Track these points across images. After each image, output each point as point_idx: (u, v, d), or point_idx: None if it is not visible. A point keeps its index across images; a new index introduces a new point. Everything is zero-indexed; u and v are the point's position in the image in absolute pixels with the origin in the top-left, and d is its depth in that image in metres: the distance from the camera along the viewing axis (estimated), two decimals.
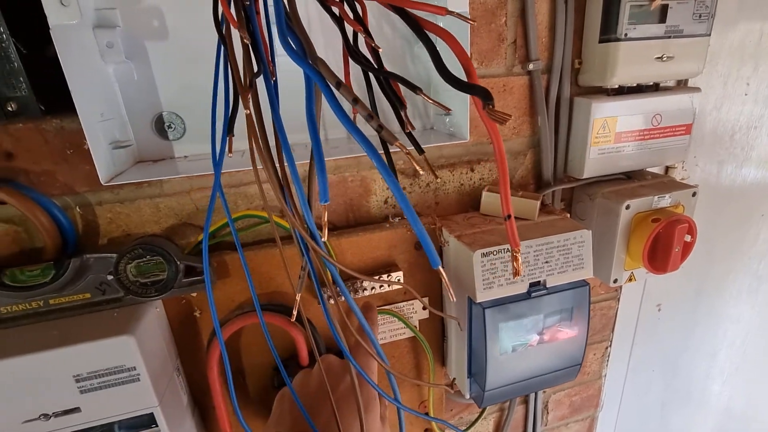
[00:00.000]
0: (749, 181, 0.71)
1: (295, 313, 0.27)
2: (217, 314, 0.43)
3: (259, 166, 0.30)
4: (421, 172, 0.16)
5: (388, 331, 0.53)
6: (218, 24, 0.27)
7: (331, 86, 0.19)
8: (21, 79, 0.32)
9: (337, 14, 0.26)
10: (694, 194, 0.54)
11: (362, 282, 0.48)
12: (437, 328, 0.55)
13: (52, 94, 0.35)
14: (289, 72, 0.33)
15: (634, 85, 0.52)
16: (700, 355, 0.87)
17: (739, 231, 0.76)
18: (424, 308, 0.53)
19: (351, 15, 0.26)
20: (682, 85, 0.57)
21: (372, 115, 0.18)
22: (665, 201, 0.53)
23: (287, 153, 0.22)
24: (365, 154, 0.45)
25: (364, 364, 0.37)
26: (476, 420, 0.67)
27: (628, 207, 0.52)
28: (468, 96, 0.42)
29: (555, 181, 0.56)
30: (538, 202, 0.50)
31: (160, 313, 0.43)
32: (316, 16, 0.41)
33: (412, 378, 0.56)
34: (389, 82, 0.28)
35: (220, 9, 0.24)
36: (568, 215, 0.52)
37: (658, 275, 0.55)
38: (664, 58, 0.49)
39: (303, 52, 0.21)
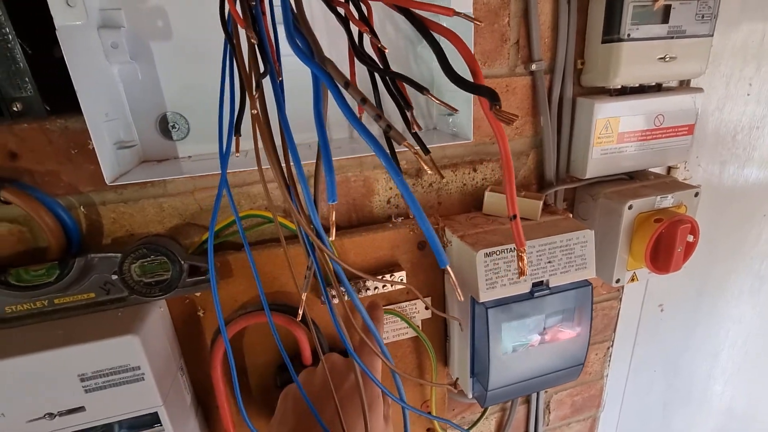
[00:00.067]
0: (751, 181, 0.71)
1: (300, 312, 0.27)
2: (227, 312, 0.43)
3: (264, 166, 0.30)
4: (429, 172, 0.16)
5: (391, 330, 0.53)
6: (225, 24, 0.27)
7: (339, 86, 0.19)
8: (26, 79, 0.32)
9: (343, 15, 0.26)
10: (696, 194, 0.54)
11: (365, 282, 0.48)
12: (440, 327, 0.55)
13: (57, 95, 0.35)
14: (292, 72, 0.33)
15: (637, 85, 0.52)
16: (701, 355, 0.87)
17: (741, 231, 0.76)
18: (426, 308, 0.53)
19: (356, 15, 0.26)
20: (684, 86, 0.57)
21: (380, 114, 0.18)
22: (668, 201, 0.53)
23: (293, 153, 0.22)
24: (368, 154, 0.46)
25: (368, 363, 0.37)
26: (478, 420, 0.67)
27: (630, 207, 0.52)
28: (471, 96, 0.42)
29: (557, 181, 0.56)
30: (541, 202, 0.50)
31: (164, 312, 0.43)
32: (320, 16, 0.41)
33: (416, 378, 0.56)
34: (395, 83, 0.28)
35: (227, 9, 0.24)
36: (571, 215, 0.52)
37: (660, 275, 0.55)
38: (667, 59, 0.49)
39: (311, 52, 0.21)
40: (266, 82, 0.26)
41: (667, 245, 0.52)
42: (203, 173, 0.39)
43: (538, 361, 0.52)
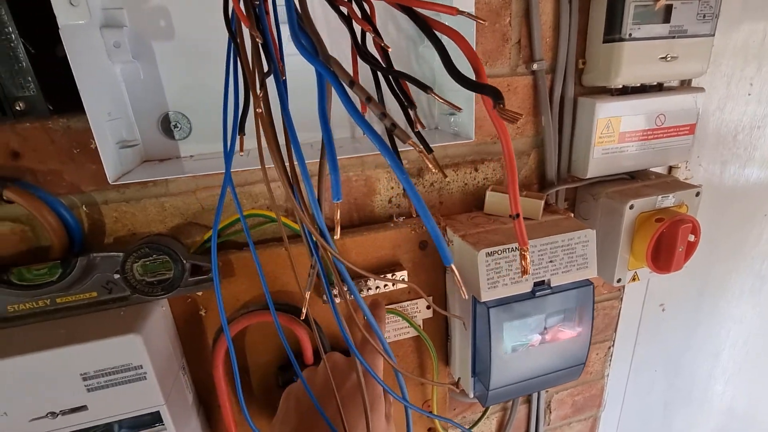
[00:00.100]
0: (752, 181, 0.71)
1: (304, 311, 0.27)
2: (229, 311, 0.43)
3: (267, 166, 0.30)
4: (433, 171, 0.16)
5: (393, 330, 0.53)
6: (229, 24, 0.27)
7: (344, 85, 0.19)
8: (29, 78, 0.32)
9: (346, 14, 0.26)
10: (697, 194, 0.54)
11: (367, 281, 0.48)
12: (441, 327, 0.55)
13: (60, 94, 0.35)
14: (293, 71, 0.33)
15: (638, 85, 0.52)
16: (702, 355, 0.87)
17: (742, 231, 0.76)
18: (428, 307, 0.53)
19: (359, 14, 0.27)
20: (685, 85, 0.57)
21: (385, 113, 0.18)
22: (669, 201, 0.53)
23: (297, 152, 0.22)
24: (369, 153, 0.46)
25: (370, 362, 0.37)
26: (479, 419, 0.67)
27: (631, 207, 0.52)
28: (473, 95, 0.42)
29: (559, 180, 0.56)
30: (542, 202, 0.50)
31: (166, 311, 0.43)
32: (321, 16, 0.41)
33: (417, 377, 0.56)
34: (399, 82, 0.28)
35: (230, 8, 0.24)
36: (572, 215, 0.52)
37: (661, 275, 0.55)
38: (668, 58, 0.49)
39: (315, 51, 0.21)
40: (269, 81, 0.26)
41: (668, 245, 0.52)
42: (205, 172, 0.39)
43: (539, 361, 0.52)
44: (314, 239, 0.24)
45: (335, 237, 0.20)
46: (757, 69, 0.63)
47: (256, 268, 0.45)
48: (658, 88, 0.54)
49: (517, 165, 0.56)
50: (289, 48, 0.37)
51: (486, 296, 0.45)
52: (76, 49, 0.32)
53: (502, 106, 0.18)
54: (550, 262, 0.47)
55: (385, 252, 0.49)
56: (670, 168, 0.63)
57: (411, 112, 0.27)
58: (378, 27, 0.43)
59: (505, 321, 0.47)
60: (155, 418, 0.39)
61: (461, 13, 0.21)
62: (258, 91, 0.22)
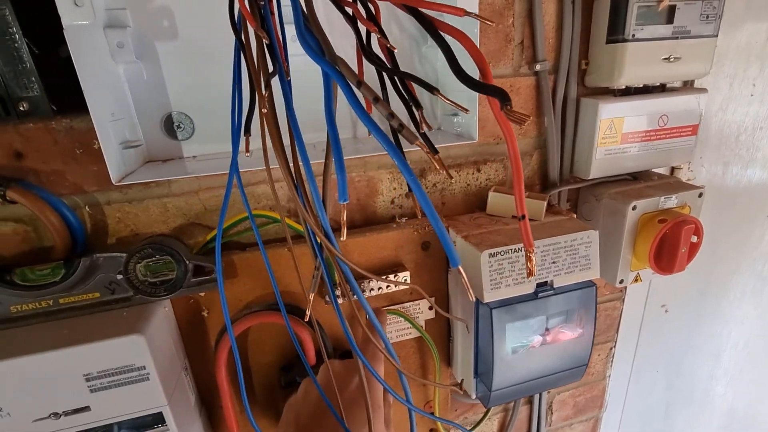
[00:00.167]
0: (754, 182, 0.71)
1: (308, 313, 0.27)
2: (232, 312, 0.43)
3: (272, 166, 0.30)
4: (440, 171, 0.16)
5: (395, 331, 0.53)
6: (234, 24, 0.27)
7: (351, 86, 0.19)
8: (33, 79, 0.32)
9: (351, 14, 0.26)
10: (700, 195, 0.54)
11: (369, 282, 0.48)
12: (443, 328, 0.55)
13: (63, 94, 0.35)
14: (296, 72, 0.33)
15: (641, 85, 0.52)
16: (704, 356, 0.87)
17: (744, 232, 0.76)
18: (430, 308, 0.53)
19: (364, 15, 0.26)
20: (688, 86, 0.57)
21: (393, 114, 0.18)
22: (672, 202, 0.53)
23: (302, 152, 0.22)
24: (372, 154, 0.46)
25: (371, 365, 0.37)
26: (481, 420, 0.67)
27: (634, 208, 0.52)
28: (476, 96, 0.42)
29: (561, 181, 0.56)
30: (545, 203, 0.50)
31: (169, 312, 0.43)
32: (322, 17, 0.41)
33: (420, 378, 0.56)
34: (404, 83, 0.28)
35: (236, 9, 0.24)
36: (575, 216, 0.52)
37: (663, 276, 0.55)
38: (671, 59, 0.49)
39: (321, 51, 0.21)
40: (273, 81, 0.26)
41: (671, 246, 0.52)
42: (208, 173, 0.39)
43: (541, 362, 0.52)
44: (318, 240, 0.24)
45: (341, 238, 0.20)
46: (759, 70, 0.63)
47: (258, 268, 0.45)
48: (661, 89, 0.53)
49: None
50: (292, 48, 0.38)
51: (489, 297, 0.45)
52: (80, 49, 0.32)
53: (509, 107, 0.18)
54: (553, 263, 0.46)
55: (387, 253, 0.49)
56: (673, 169, 0.63)
57: (417, 113, 0.27)
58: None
59: (508, 322, 0.47)
60: (158, 419, 0.39)
61: (468, 14, 0.21)
62: (263, 92, 0.22)
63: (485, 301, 0.45)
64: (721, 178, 0.68)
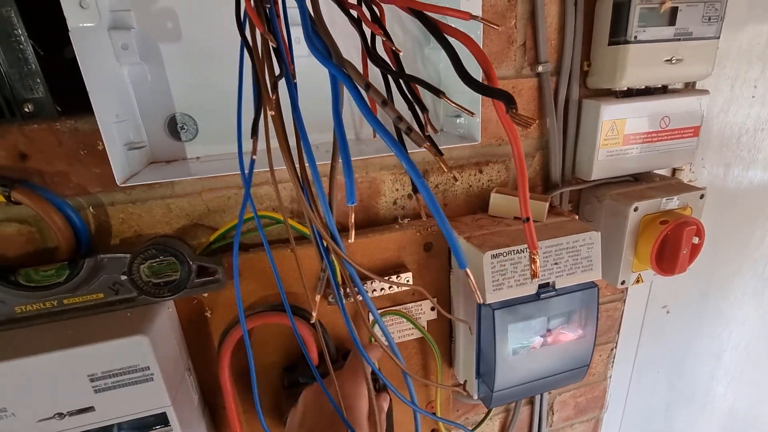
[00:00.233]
0: (755, 183, 0.71)
1: (315, 315, 0.27)
2: (233, 313, 0.43)
3: (275, 168, 0.30)
4: (447, 172, 0.16)
5: (397, 331, 0.53)
6: (241, 27, 0.27)
7: (360, 88, 0.19)
8: (38, 80, 0.33)
9: (356, 17, 0.27)
10: (702, 196, 0.55)
11: (372, 282, 0.48)
12: (445, 329, 0.55)
13: (68, 96, 0.35)
14: (300, 74, 0.33)
15: (643, 87, 0.52)
16: (705, 356, 0.87)
17: (745, 233, 0.76)
18: (432, 309, 0.53)
19: (369, 17, 0.27)
20: (690, 88, 0.58)
21: (400, 117, 0.18)
22: (673, 203, 0.53)
23: (309, 154, 0.22)
24: (374, 155, 0.46)
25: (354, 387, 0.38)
26: (482, 420, 0.67)
27: (636, 209, 0.52)
28: (480, 98, 0.42)
29: (563, 182, 0.56)
30: (547, 204, 0.51)
31: (172, 313, 0.43)
32: (327, 20, 0.41)
33: (422, 379, 0.56)
34: (410, 85, 0.28)
35: (242, 10, 0.24)
36: (576, 217, 0.52)
37: (665, 277, 0.55)
38: (673, 61, 0.49)
39: (329, 54, 0.21)
40: (279, 84, 0.26)
41: (672, 247, 0.52)
42: (212, 174, 0.39)
43: (543, 363, 0.52)
44: (325, 243, 0.24)
45: (349, 240, 0.20)
46: (761, 71, 0.63)
47: (261, 269, 0.45)
48: (663, 91, 0.54)
49: None
50: (296, 50, 0.38)
51: (491, 298, 0.45)
52: (85, 51, 0.32)
53: (514, 110, 0.18)
54: (555, 264, 0.47)
55: (390, 254, 0.49)
56: (674, 170, 0.63)
57: (422, 116, 0.27)
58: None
59: (510, 323, 0.47)
60: (162, 419, 0.39)
61: (474, 17, 0.21)
62: (270, 94, 0.22)
63: (487, 302, 0.46)
64: (722, 179, 0.69)
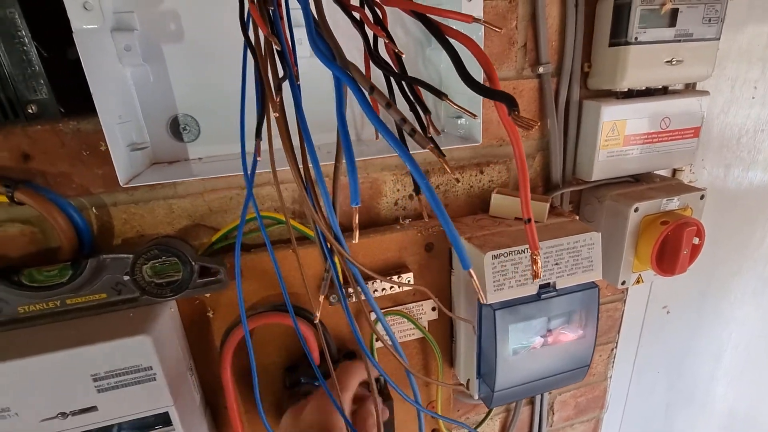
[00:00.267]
0: (756, 184, 0.71)
1: (318, 315, 0.27)
2: (235, 313, 0.44)
3: (278, 168, 0.30)
4: (454, 175, 0.16)
5: (398, 331, 0.53)
6: (245, 29, 0.27)
7: (364, 91, 0.19)
8: (42, 81, 0.33)
9: (358, 18, 0.27)
10: (702, 197, 0.55)
11: (373, 283, 0.48)
12: (446, 329, 0.56)
13: (71, 97, 0.35)
14: (301, 74, 0.33)
15: (643, 88, 0.52)
16: (705, 357, 0.87)
17: (745, 234, 0.76)
18: (433, 309, 0.53)
19: (371, 20, 0.27)
20: (690, 89, 0.58)
21: (405, 119, 0.18)
22: (674, 204, 0.53)
23: (312, 155, 0.23)
24: (376, 156, 0.46)
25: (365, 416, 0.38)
26: (483, 420, 0.67)
27: (636, 209, 0.52)
28: (481, 99, 0.42)
29: (564, 183, 0.57)
30: (548, 204, 0.51)
31: (174, 313, 0.43)
32: (329, 22, 0.41)
33: (424, 377, 0.57)
34: (412, 88, 0.28)
35: (245, 11, 0.25)
36: (577, 217, 0.52)
37: (665, 277, 0.55)
38: (674, 62, 0.49)
39: (333, 57, 0.21)
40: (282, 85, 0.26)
41: (673, 247, 0.52)
42: (214, 175, 0.39)
43: (544, 363, 0.52)
44: (329, 243, 0.24)
45: (354, 241, 0.20)
46: (761, 72, 0.63)
47: (263, 270, 0.45)
48: (663, 92, 0.54)
49: None
50: (298, 51, 0.38)
51: (492, 298, 0.45)
52: (88, 52, 0.32)
53: (517, 112, 0.18)
54: (556, 264, 0.47)
55: (391, 254, 0.50)
56: (675, 171, 0.63)
57: (424, 118, 0.27)
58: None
59: (511, 323, 0.48)
60: (164, 419, 0.39)
61: (477, 20, 0.21)
62: (275, 97, 0.23)
63: (488, 303, 0.46)
64: (722, 180, 0.69)
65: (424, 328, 0.53)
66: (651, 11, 0.46)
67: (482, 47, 0.43)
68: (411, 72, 0.46)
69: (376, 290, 0.49)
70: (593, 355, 0.54)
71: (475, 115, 0.24)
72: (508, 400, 0.54)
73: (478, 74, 0.26)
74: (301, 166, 0.25)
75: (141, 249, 0.39)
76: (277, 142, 0.27)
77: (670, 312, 0.77)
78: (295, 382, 0.47)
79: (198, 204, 0.45)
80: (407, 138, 0.20)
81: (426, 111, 0.27)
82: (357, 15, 0.27)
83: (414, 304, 0.52)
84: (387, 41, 0.24)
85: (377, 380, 0.50)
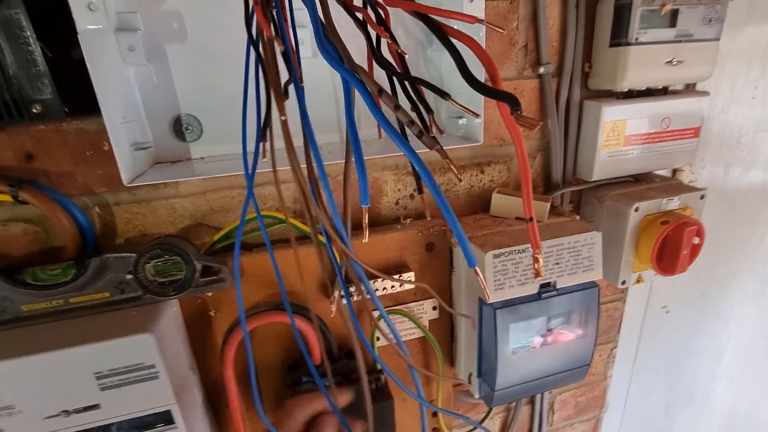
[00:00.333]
0: (756, 184, 0.72)
1: (334, 309, 0.27)
2: (237, 312, 0.44)
3: (279, 168, 0.30)
4: (461, 176, 0.16)
5: (399, 331, 0.53)
6: (250, 32, 0.27)
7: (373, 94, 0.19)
8: (46, 81, 0.33)
9: (361, 19, 0.27)
10: (702, 197, 0.55)
11: (375, 282, 0.48)
12: (446, 328, 0.56)
13: (75, 97, 0.35)
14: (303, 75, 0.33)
15: (644, 88, 0.52)
16: (704, 356, 0.87)
17: (745, 234, 0.76)
18: (434, 308, 0.53)
19: (374, 20, 0.27)
20: (690, 89, 0.58)
21: (412, 120, 0.18)
22: (674, 203, 0.54)
23: (317, 157, 0.23)
24: (377, 156, 0.47)
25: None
26: (483, 420, 0.67)
27: (637, 209, 0.52)
28: (482, 99, 0.43)
29: (564, 183, 0.57)
30: (548, 204, 0.51)
31: (177, 312, 0.44)
32: None
33: (426, 371, 0.57)
34: (415, 88, 0.28)
35: (253, 17, 0.25)
36: (577, 217, 0.52)
37: (665, 277, 0.55)
38: (674, 62, 0.50)
39: (341, 59, 0.21)
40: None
41: (673, 247, 0.52)
42: (216, 175, 0.39)
43: (544, 362, 0.52)
44: (333, 246, 0.25)
45: (364, 240, 0.20)
46: (761, 72, 0.63)
47: (265, 269, 0.46)
48: (663, 92, 0.54)
49: None
50: (300, 51, 0.38)
51: (493, 298, 0.46)
52: (93, 52, 0.32)
53: (519, 112, 0.19)
54: (556, 264, 0.47)
55: (392, 253, 0.50)
56: (675, 171, 0.64)
57: (427, 117, 0.27)
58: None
59: (512, 322, 0.48)
60: (166, 418, 0.39)
61: (480, 21, 0.22)
62: (283, 100, 0.23)
63: (489, 302, 0.46)
64: (722, 180, 0.69)
65: (425, 327, 0.53)
66: (651, 12, 0.47)
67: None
68: (413, 73, 0.46)
69: (377, 289, 0.49)
70: (593, 354, 0.54)
71: (477, 115, 0.24)
72: (509, 399, 0.54)
73: (480, 74, 0.26)
74: (303, 166, 0.25)
75: (144, 248, 0.39)
76: (278, 143, 0.27)
77: (670, 312, 0.77)
78: (297, 381, 0.48)
79: (200, 203, 0.45)
80: (409, 137, 0.20)
81: (429, 111, 0.27)
82: (360, 15, 0.27)
83: (415, 303, 0.53)
84: (390, 41, 0.24)
85: (377, 380, 0.50)
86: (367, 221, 0.19)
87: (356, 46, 0.39)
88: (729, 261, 0.78)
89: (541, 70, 0.51)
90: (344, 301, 0.31)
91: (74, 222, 0.40)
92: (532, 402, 0.71)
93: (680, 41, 0.49)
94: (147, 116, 0.40)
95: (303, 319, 0.47)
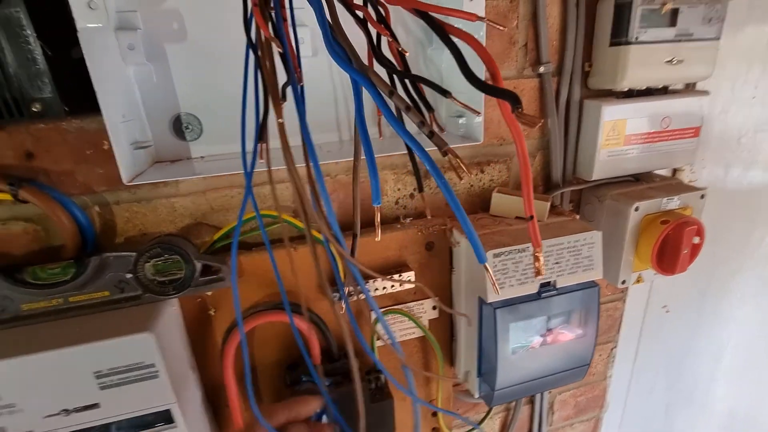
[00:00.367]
0: (755, 184, 0.72)
1: (344, 307, 0.27)
2: (236, 312, 0.44)
3: (275, 168, 0.30)
4: (471, 175, 0.16)
5: (398, 330, 0.53)
6: (249, 35, 0.27)
7: (383, 94, 0.19)
8: (46, 80, 0.33)
9: (361, 17, 0.27)
10: (702, 196, 0.55)
11: (374, 281, 0.48)
12: (446, 328, 0.56)
13: (75, 95, 0.35)
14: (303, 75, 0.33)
15: (644, 88, 0.52)
16: (704, 356, 0.87)
17: (745, 234, 0.76)
18: (434, 308, 0.53)
19: (375, 18, 0.27)
20: (690, 89, 0.58)
21: (423, 121, 0.18)
22: (674, 203, 0.54)
23: (313, 158, 0.23)
24: (378, 155, 0.46)
25: None
26: (483, 419, 0.67)
27: (637, 209, 0.52)
28: (483, 98, 0.43)
29: (564, 182, 0.57)
30: (548, 204, 0.51)
31: (177, 311, 0.44)
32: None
33: (423, 371, 0.57)
34: (416, 86, 0.28)
35: (252, 18, 0.25)
36: (577, 217, 0.52)
37: (665, 277, 0.55)
38: (674, 62, 0.50)
39: (349, 60, 0.21)
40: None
41: (673, 247, 0.52)
42: (216, 174, 0.39)
43: (544, 362, 0.52)
44: (332, 247, 0.25)
45: (377, 239, 0.20)
46: (761, 72, 0.63)
47: (264, 268, 0.46)
48: (663, 92, 0.54)
49: None
50: (301, 50, 0.38)
51: (492, 297, 0.46)
52: (93, 51, 0.32)
53: (520, 110, 0.19)
54: (556, 263, 0.47)
55: (391, 253, 0.50)
56: (675, 170, 0.64)
57: (428, 115, 0.27)
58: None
59: (511, 322, 0.48)
60: (166, 417, 0.39)
61: (480, 19, 0.22)
62: (281, 102, 0.23)
63: (489, 301, 0.46)
64: (722, 179, 0.69)
65: (425, 326, 0.53)
66: (652, 11, 0.47)
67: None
68: (413, 71, 0.46)
69: (377, 289, 0.49)
70: (593, 354, 0.54)
71: (478, 113, 0.24)
72: (509, 398, 0.54)
73: (480, 73, 0.26)
74: (303, 165, 0.25)
75: (143, 247, 0.39)
76: (277, 142, 0.27)
77: (670, 311, 0.77)
78: (296, 380, 0.47)
79: (200, 202, 0.45)
80: (432, 141, 0.20)
81: (430, 109, 0.27)
82: (360, 14, 0.27)
83: (414, 303, 0.52)
84: (391, 40, 0.24)
85: (377, 379, 0.50)
86: (379, 220, 0.19)
87: (356, 44, 0.39)
88: (729, 261, 0.78)
89: (541, 69, 0.51)
90: (343, 301, 0.31)
91: (74, 221, 0.40)
92: (531, 402, 0.71)
93: (680, 41, 0.49)
94: (147, 115, 0.40)
95: (302, 319, 0.47)
